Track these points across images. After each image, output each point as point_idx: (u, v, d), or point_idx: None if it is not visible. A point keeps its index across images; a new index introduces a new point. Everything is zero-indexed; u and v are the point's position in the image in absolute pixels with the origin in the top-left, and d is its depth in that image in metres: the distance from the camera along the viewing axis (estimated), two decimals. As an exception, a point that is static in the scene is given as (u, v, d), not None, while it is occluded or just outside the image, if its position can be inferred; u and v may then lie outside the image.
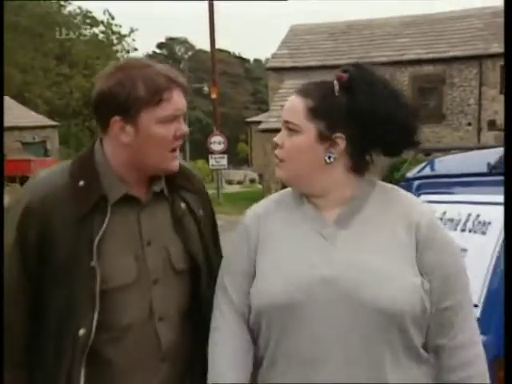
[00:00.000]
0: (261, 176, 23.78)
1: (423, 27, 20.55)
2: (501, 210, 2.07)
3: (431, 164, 2.79)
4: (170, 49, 61.65)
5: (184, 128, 1.54)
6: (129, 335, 1.52)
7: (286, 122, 1.51)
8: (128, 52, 38.13)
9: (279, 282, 1.46)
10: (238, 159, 43.77)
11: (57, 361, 1.46)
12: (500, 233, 1.98)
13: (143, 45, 68.03)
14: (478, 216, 2.14)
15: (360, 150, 1.49)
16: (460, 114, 18.88)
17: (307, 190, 1.53)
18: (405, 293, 1.41)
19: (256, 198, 17.48)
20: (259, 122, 22.19)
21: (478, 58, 18.82)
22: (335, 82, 1.48)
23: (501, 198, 2.10)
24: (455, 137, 18.42)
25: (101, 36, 35.88)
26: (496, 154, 2.19)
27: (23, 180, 22.68)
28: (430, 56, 19.37)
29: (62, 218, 1.46)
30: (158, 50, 54.39)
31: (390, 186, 1.59)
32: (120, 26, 36.65)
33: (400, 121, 1.45)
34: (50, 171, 1.59)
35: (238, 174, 35.80)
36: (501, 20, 19.39)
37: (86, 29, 34.86)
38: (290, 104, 1.51)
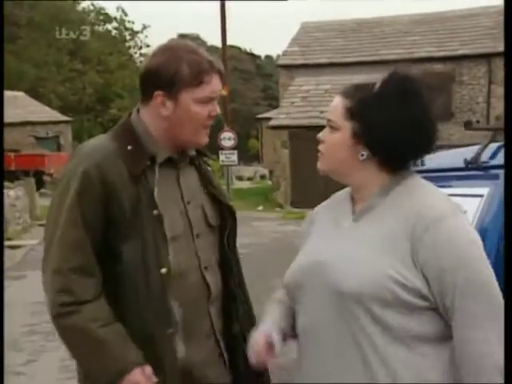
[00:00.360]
0: (271, 172, 23.94)
1: (433, 25, 20.62)
2: (475, 200, 2.30)
3: (422, 160, 3.01)
4: (182, 45, 61.39)
5: (217, 109, 1.74)
6: (185, 280, 1.73)
7: (328, 120, 1.64)
8: (140, 48, 38.44)
9: (292, 266, 1.70)
10: (248, 155, 43.85)
11: (147, 295, 1.66)
12: (473, 221, 2.20)
13: (155, 41, 67.90)
14: (456, 206, 2.36)
15: (391, 149, 1.58)
16: (469, 112, 18.98)
17: (345, 182, 1.68)
18: (371, 280, 1.50)
19: (265, 193, 17.76)
20: (270, 119, 22.36)
21: (486, 57, 18.90)
22: (376, 85, 1.58)
23: (475, 190, 2.33)
24: (464, 134, 18.54)
25: (114, 32, 36.15)
26: (472, 151, 2.41)
27: (37, 174, 23.04)
28: (440, 54, 19.45)
29: (119, 178, 1.66)
30: (170, 46, 54.53)
31: (420, 182, 1.66)
32: (133, 23, 36.99)
33: (421, 134, 1.58)
34: (95, 141, 1.78)
35: (248, 170, 35.90)
36: (510, 18, 19.47)
37: (99, 25, 35.11)
38: (333, 103, 1.64)
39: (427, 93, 1.59)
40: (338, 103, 1.62)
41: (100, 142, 1.76)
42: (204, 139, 1.77)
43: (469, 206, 2.29)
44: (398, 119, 1.55)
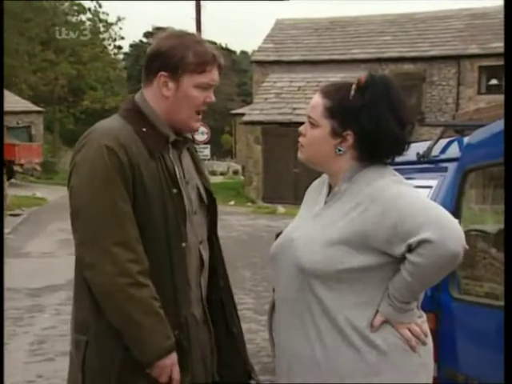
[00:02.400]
0: (244, 168, 24.05)
1: (405, 26, 20.96)
2: (425, 191, 2.49)
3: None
4: (157, 38, 60.97)
5: (212, 97, 1.92)
6: (190, 253, 1.90)
7: (308, 116, 1.82)
8: (115, 40, 38.13)
9: (276, 240, 1.91)
10: (222, 151, 43.82)
11: (170, 266, 1.83)
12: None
13: (130, 34, 67.49)
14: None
15: (366, 145, 1.75)
16: (438, 113, 19.37)
17: (322, 170, 1.88)
18: (324, 258, 1.71)
19: (238, 188, 17.90)
20: (244, 114, 22.44)
21: (456, 58, 19.30)
22: (353, 87, 1.74)
23: (425, 182, 2.52)
24: (433, 134, 18.85)
25: (88, 23, 35.81)
26: (424, 146, 2.60)
27: (8, 163, 22.78)
28: (411, 54, 19.79)
29: (141, 158, 1.81)
30: (144, 40, 54.05)
31: (378, 169, 1.78)
32: (107, 14, 36.65)
33: (396, 135, 1.72)
34: (112, 123, 1.89)
35: (221, 165, 35.95)
36: (480, 22, 19.87)
37: (73, 15, 34.74)
38: (312, 101, 1.82)
39: (403, 95, 1.77)
40: (318, 102, 1.79)
41: (116, 123, 1.88)
42: (197, 125, 1.95)
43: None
44: (380, 119, 1.72)
